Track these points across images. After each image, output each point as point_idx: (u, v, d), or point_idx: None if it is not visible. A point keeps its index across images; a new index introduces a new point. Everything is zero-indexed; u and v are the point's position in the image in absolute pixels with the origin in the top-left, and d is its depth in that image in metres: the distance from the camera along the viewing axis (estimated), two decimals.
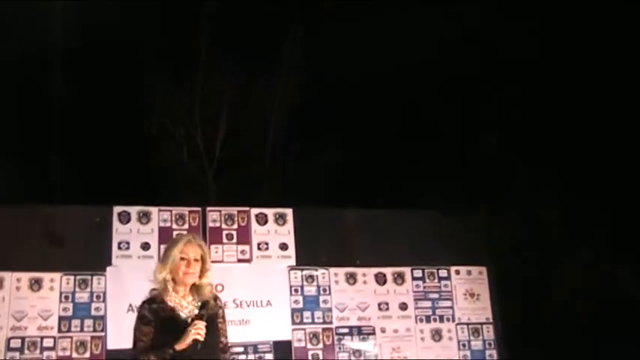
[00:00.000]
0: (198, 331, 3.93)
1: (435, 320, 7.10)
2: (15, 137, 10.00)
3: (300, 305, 6.85)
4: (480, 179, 7.69)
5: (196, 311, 4.10)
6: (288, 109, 11.79)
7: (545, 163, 7.16)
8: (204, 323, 3.98)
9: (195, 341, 3.92)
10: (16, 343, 6.15)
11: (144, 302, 4.18)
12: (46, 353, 6.19)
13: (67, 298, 6.35)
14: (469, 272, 7.31)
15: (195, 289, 4.21)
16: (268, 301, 6.74)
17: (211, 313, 4.16)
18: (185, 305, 4.13)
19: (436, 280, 7.21)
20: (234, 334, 4.44)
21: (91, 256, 6.49)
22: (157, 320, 4.05)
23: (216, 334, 4.16)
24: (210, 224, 6.88)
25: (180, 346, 3.92)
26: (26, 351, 6.16)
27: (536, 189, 7.12)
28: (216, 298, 4.29)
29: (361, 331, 6.92)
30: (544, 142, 7.38)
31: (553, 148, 7.19)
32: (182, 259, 4.16)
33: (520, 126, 7.45)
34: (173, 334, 3.98)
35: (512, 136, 7.67)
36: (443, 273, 7.25)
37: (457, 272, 7.29)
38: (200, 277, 4.20)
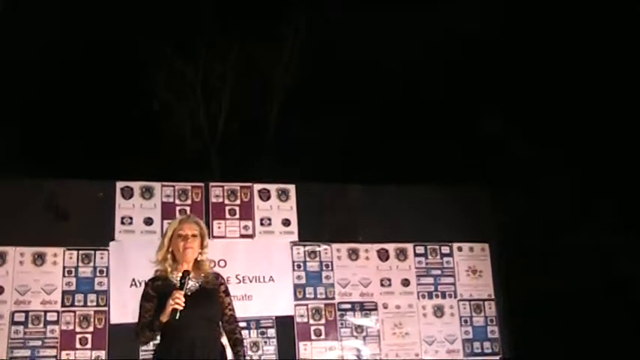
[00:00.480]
0: (176, 301, 3.98)
1: (437, 296, 7.11)
2: (18, 112, 9.99)
3: (303, 281, 6.87)
4: (483, 155, 7.67)
5: (198, 286, 4.23)
6: (292, 84, 11.75)
7: (549, 138, 7.14)
8: (181, 292, 4.03)
9: (174, 310, 3.97)
10: (20, 317, 6.20)
11: (148, 280, 4.31)
12: (49, 327, 6.23)
13: (70, 272, 6.38)
14: (471, 249, 7.31)
15: (196, 266, 4.30)
16: (271, 276, 6.76)
17: (210, 287, 4.28)
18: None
19: (438, 257, 7.22)
20: (237, 310, 4.48)
21: (94, 231, 6.52)
22: (160, 297, 4.13)
23: (217, 309, 4.28)
24: (213, 200, 6.88)
25: (162, 317, 4.01)
26: (30, 325, 6.20)
27: (539, 165, 7.10)
28: (217, 275, 4.41)
29: (363, 307, 6.94)
30: (548, 118, 7.35)
31: (557, 123, 7.17)
32: (179, 235, 4.27)
33: (524, 101, 7.41)
34: None
35: (515, 112, 7.63)
36: (445, 249, 7.26)
37: (459, 249, 7.29)
38: (200, 253, 4.31)
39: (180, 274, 4.18)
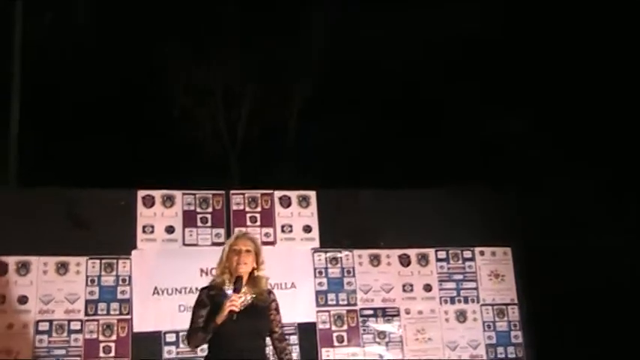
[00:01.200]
0: (232, 303, 4.28)
1: (459, 301, 7.08)
2: (40, 120, 10.06)
3: (325, 287, 6.86)
4: (505, 159, 7.63)
5: (250, 301, 4.50)
6: (311, 89, 11.75)
7: (572, 141, 7.09)
8: (239, 296, 4.36)
9: (231, 312, 4.27)
10: (44, 326, 6.24)
11: (203, 288, 4.64)
12: (73, 336, 6.27)
13: (93, 281, 6.42)
14: (493, 253, 7.27)
15: (252, 281, 4.55)
16: (292, 283, 6.76)
17: (263, 305, 4.57)
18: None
19: (460, 262, 7.19)
20: None
21: (116, 239, 6.55)
22: (212, 305, 4.43)
23: (266, 325, 4.57)
24: (234, 207, 6.90)
25: (219, 319, 4.29)
26: (54, 334, 6.24)
27: (563, 168, 7.05)
28: (270, 292, 4.70)
29: (385, 313, 6.93)
30: (571, 120, 7.30)
31: (580, 125, 7.12)
32: (234, 250, 4.55)
33: (547, 104, 7.36)
34: None
35: (538, 114, 7.59)
36: (467, 254, 7.22)
37: (481, 253, 7.26)
38: (255, 269, 4.59)
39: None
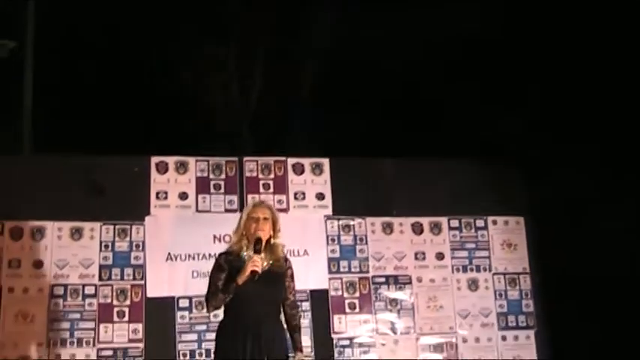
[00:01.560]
0: (254, 263, 4.36)
1: (471, 270, 7.10)
2: (55, 87, 10.08)
3: (337, 255, 6.89)
4: (518, 128, 7.58)
5: (267, 268, 4.55)
6: (325, 55, 11.68)
7: (587, 109, 7.03)
8: (260, 256, 4.44)
9: (253, 272, 4.35)
10: (58, 291, 6.31)
11: (221, 254, 4.73)
12: (87, 300, 6.34)
13: (107, 247, 6.47)
14: (506, 222, 7.28)
15: (269, 248, 4.62)
16: (305, 250, 6.78)
17: (279, 271, 4.66)
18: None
19: (473, 230, 7.20)
20: None
21: (129, 205, 6.59)
22: (230, 269, 4.51)
23: (281, 291, 4.66)
24: (247, 174, 6.92)
25: (240, 279, 4.38)
26: (69, 298, 6.32)
27: (576, 138, 6.99)
28: (286, 259, 4.80)
29: (398, 281, 6.95)
30: (583, 92, 7.24)
31: (593, 97, 7.06)
32: (251, 218, 4.61)
33: (561, 75, 7.29)
34: None
35: (550, 85, 7.52)
36: (480, 223, 7.22)
37: (494, 222, 7.26)
38: (272, 237, 4.65)
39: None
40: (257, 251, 4.46)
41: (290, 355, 4.73)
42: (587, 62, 7.10)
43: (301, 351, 4.72)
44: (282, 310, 4.73)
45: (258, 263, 4.38)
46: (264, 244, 4.56)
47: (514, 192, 7.29)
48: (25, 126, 9.47)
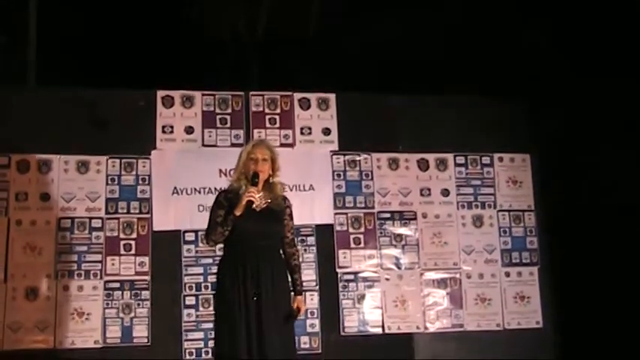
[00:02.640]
0: (250, 194, 4.45)
1: (476, 207, 7.11)
2: (58, 20, 9.98)
3: (343, 190, 6.91)
4: (525, 65, 7.50)
5: (263, 205, 4.62)
6: None
7: (593, 49, 6.94)
8: (256, 187, 4.51)
9: (249, 202, 4.43)
10: (66, 224, 6.37)
11: (221, 191, 4.79)
12: (94, 233, 6.40)
13: (113, 180, 6.50)
14: (512, 159, 7.26)
15: (268, 187, 4.68)
16: (311, 185, 6.81)
17: (278, 209, 4.72)
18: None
19: (479, 167, 7.19)
20: None
21: (135, 139, 6.60)
22: (230, 206, 4.53)
23: (280, 228, 4.70)
24: (254, 108, 6.90)
25: (237, 211, 4.45)
26: (76, 231, 6.37)
27: (581, 75, 6.92)
28: (285, 198, 4.83)
29: (403, 216, 6.98)
30: (592, 31, 7.13)
31: (600, 35, 6.95)
32: (251, 159, 4.64)
33: (570, 15, 7.18)
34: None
35: (560, 25, 7.41)
36: (486, 160, 7.21)
37: (500, 159, 7.24)
38: (271, 176, 4.71)
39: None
40: (254, 184, 4.53)
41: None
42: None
43: (300, 294, 4.75)
44: (282, 248, 4.77)
45: (253, 193, 4.44)
46: (262, 182, 4.62)
47: (520, 129, 7.26)
48: (29, 56, 9.40)
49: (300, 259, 4.95)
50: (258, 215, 4.54)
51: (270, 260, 4.58)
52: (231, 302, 4.46)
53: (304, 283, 5.15)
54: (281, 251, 4.74)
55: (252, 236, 4.51)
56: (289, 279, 4.72)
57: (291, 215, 4.81)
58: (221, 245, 4.70)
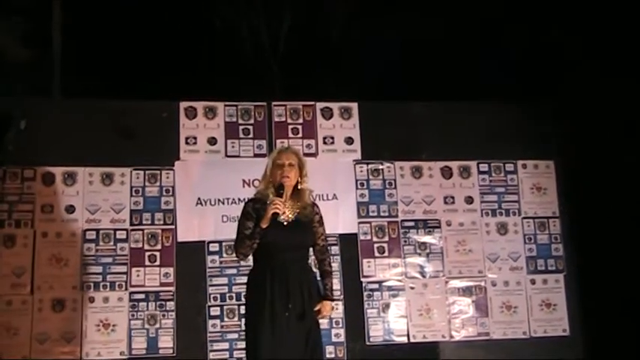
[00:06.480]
0: (275, 205, 4.36)
1: (500, 214, 7.08)
2: (83, 31, 10.08)
3: (366, 199, 6.90)
4: (549, 71, 7.48)
5: (291, 216, 4.59)
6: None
7: (618, 55, 6.90)
8: (281, 199, 4.43)
9: (274, 215, 4.37)
10: (91, 235, 6.41)
11: (249, 201, 4.70)
12: (119, 245, 6.43)
13: (137, 192, 6.54)
14: (536, 166, 7.22)
15: (296, 194, 4.63)
16: (334, 194, 6.80)
17: (306, 220, 4.64)
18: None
19: (502, 174, 7.16)
20: None
21: (159, 151, 6.64)
22: (258, 217, 4.47)
23: (309, 237, 4.66)
24: (276, 119, 6.91)
25: (263, 223, 4.39)
26: (101, 242, 6.41)
27: (605, 81, 6.89)
28: (314, 205, 4.74)
29: (427, 225, 6.96)
30: (617, 33, 7.09)
31: (627, 39, 6.92)
32: (277, 165, 4.58)
33: (594, 17, 7.15)
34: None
35: (584, 28, 7.38)
36: (509, 167, 7.18)
37: (524, 166, 7.21)
38: (299, 182, 4.64)
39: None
40: (279, 195, 4.47)
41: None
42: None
43: (330, 299, 4.71)
44: (313, 255, 4.77)
45: (278, 205, 4.37)
46: (290, 190, 4.58)
47: (544, 136, 7.21)
48: (55, 69, 9.50)
49: (332, 265, 4.92)
50: (286, 227, 4.51)
51: (298, 273, 4.54)
52: (260, 319, 4.43)
53: None
54: (310, 261, 4.73)
55: (281, 248, 4.47)
56: (320, 291, 4.69)
57: (320, 222, 4.75)
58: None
